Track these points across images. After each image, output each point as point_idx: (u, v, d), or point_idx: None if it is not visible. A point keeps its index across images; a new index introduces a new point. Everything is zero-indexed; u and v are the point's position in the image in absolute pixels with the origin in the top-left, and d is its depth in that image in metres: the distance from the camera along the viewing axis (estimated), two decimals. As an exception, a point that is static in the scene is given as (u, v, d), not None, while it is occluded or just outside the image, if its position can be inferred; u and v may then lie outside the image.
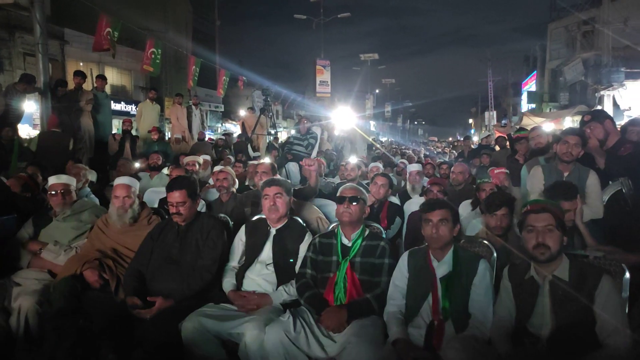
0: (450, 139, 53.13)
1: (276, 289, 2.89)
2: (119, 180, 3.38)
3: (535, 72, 31.93)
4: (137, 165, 6.99)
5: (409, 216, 4.16)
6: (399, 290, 2.53)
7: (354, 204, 2.79)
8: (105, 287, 3.01)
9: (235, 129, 28.74)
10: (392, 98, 52.97)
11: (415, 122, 78.87)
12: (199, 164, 5.86)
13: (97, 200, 4.46)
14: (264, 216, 3.16)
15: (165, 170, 6.97)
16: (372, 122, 48.56)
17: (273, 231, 3.07)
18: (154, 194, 4.69)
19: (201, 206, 4.17)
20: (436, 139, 45.85)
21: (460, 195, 4.68)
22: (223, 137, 12.30)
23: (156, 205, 4.25)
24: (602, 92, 16.63)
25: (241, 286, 2.96)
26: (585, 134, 3.55)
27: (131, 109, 20.27)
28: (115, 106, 20.42)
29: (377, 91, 48.50)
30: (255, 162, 5.60)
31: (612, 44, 18.27)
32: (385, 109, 47.23)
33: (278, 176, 4.07)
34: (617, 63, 16.60)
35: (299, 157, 7.80)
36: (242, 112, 23.39)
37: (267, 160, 6.37)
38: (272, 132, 9.85)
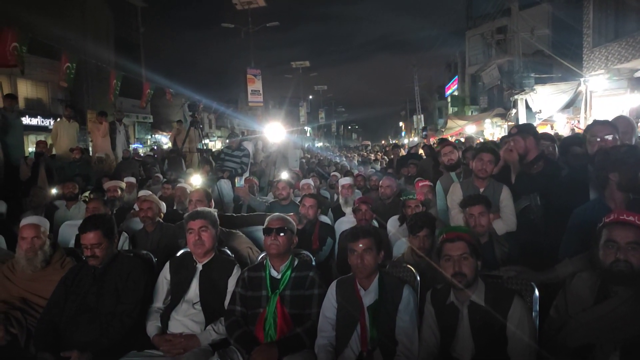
0: (383, 142, 54.89)
1: (204, 329, 2.78)
2: (26, 221, 3.10)
3: (456, 76, 33.84)
4: (53, 191, 6.49)
5: (340, 235, 4.19)
6: (329, 322, 2.53)
7: (282, 235, 2.76)
8: (14, 343, 2.74)
9: (166, 140, 27.71)
10: (326, 104, 53.75)
11: (349, 127, 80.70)
12: (121, 190, 5.53)
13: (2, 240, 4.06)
14: (188, 249, 3.04)
15: (87, 193, 6.54)
16: (307, 128, 48.98)
17: (199, 267, 2.96)
18: (71, 229, 4.35)
19: (124, 239, 3.95)
20: (369, 143, 47.07)
21: (389, 209, 4.81)
22: (151, 154, 11.80)
23: (73, 242, 3.96)
24: (515, 96, 17.90)
25: (167, 328, 2.82)
26: (497, 152, 3.77)
27: (49, 123, 18.82)
28: (31, 121, 18.93)
29: (310, 97, 48.97)
30: (183, 184, 5.38)
31: (523, 50, 19.78)
32: (319, 115, 47.79)
33: (212, 204, 3.92)
34: (527, 69, 17.96)
35: (231, 174, 7.66)
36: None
37: (198, 180, 6.20)
38: (201, 146, 9.58)
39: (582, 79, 16.29)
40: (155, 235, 4.06)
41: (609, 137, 2.95)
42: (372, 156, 19.48)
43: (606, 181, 2.55)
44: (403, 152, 15.30)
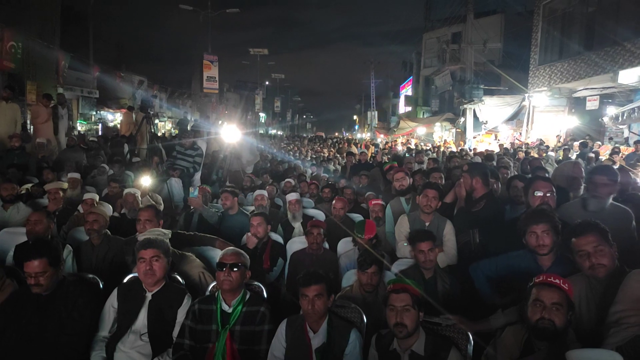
0: (337, 134, 55.36)
1: (151, 361, 2.78)
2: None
3: (411, 77, 34.66)
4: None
5: (291, 256, 4.25)
6: (277, 361, 2.62)
7: (235, 270, 2.79)
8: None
9: (112, 117, 26.43)
10: (282, 93, 53.33)
11: (304, 116, 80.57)
12: (63, 191, 5.29)
13: None
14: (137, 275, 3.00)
15: (27, 186, 6.18)
16: (261, 115, 48.42)
17: (149, 296, 2.94)
18: (9, 236, 4.13)
19: (67, 252, 3.80)
20: (323, 134, 47.28)
21: (340, 228, 4.93)
22: (96, 139, 11.25)
23: (11, 253, 3.76)
24: (465, 106, 18.69)
25: (112, 359, 2.79)
26: (440, 187, 4.01)
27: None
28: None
29: (267, 83, 48.42)
30: (132, 190, 5.22)
31: (475, 60, 20.63)
32: (275, 104, 47.38)
33: (161, 224, 3.84)
34: (477, 80, 18.77)
35: (182, 173, 7.50)
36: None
37: (148, 181, 6.02)
38: (150, 140, 9.30)
39: (526, 94, 17.23)
40: (101, 249, 3.94)
41: (549, 194, 3.21)
42: (326, 152, 19.62)
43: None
44: (356, 150, 15.59)
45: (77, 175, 6.52)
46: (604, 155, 10.84)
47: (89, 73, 22.56)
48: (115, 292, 3.00)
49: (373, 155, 14.97)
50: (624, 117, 10.02)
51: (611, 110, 12.41)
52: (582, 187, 4.02)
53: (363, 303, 3.07)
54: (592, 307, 2.47)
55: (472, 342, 2.53)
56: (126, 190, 5.21)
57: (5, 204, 4.98)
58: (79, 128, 19.03)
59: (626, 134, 13.71)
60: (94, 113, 27.52)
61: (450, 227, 3.82)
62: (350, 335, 2.59)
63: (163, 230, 3.63)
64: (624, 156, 10.42)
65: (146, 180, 6.02)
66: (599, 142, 12.58)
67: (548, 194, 3.26)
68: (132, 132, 10.63)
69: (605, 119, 11.34)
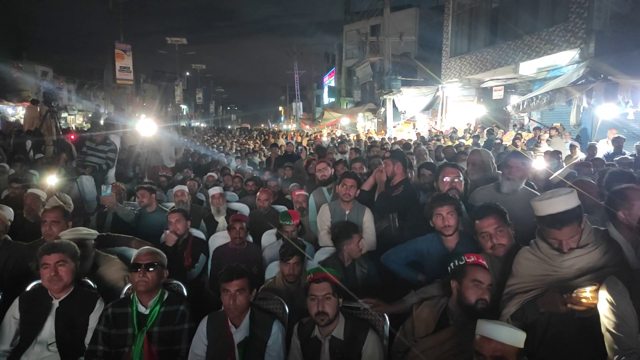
0: (262, 125, 54.81)
1: (61, 373, 2.61)
2: None
3: (334, 68, 35.20)
4: None
5: (214, 251, 4.17)
6: (198, 359, 2.57)
7: (151, 270, 2.69)
8: None
9: (11, 111, 24.02)
10: (204, 83, 51.60)
11: (229, 108, 78.82)
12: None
13: None
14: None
15: None
16: (183, 107, 46.60)
17: (56, 303, 2.74)
18: None
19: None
20: (249, 125, 46.61)
21: (265, 219, 4.92)
22: (-7, 136, 10.17)
23: None
24: (384, 96, 19.38)
25: (16, 375, 2.58)
26: (358, 176, 4.15)
27: None
28: None
29: (187, 74, 46.56)
30: (35, 190, 4.80)
31: (392, 52, 21.40)
32: (197, 96, 45.77)
33: (70, 226, 3.58)
34: (395, 71, 19.51)
35: (94, 170, 7.03)
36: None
37: (54, 180, 5.57)
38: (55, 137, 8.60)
39: (440, 85, 18.23)
40: (1, 255, 3.58)
41: (457, 180, 3.44)
42: (251, 144, 19.39)
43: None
44: (283, 142, 15.59)
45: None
46: (507, 141, 11.81)
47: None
48: (16, 302, 2.77)
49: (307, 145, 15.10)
50: (524, 106, 10.95)
51: (514, 100, 13.52)
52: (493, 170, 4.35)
53: (286, 294, 3.11)
54: (493, 282, 2.71)
55: (388, 323, 2.66)
56: (28, 191, 4.79)
57: None
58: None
59: (526, 121, 15.04)
60: (-11, 106, 24.78)
61: (369, 215, 3.97)
62: (272, 327, 2.61)
63: (89, 230, 3.40)
64: (525, 142, 11.44)
65: (52, 179, 5.58)
66: (502, 130, 13.67)
67: (456, 179, 3.49)
68: (37, 126, 9.75)
69: (509, 108, 12.32)
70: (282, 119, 54.93)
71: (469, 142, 11.99)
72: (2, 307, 2.83)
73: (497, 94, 15.60)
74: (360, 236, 3.43)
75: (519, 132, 13.09)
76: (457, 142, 11.54)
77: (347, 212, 3.98)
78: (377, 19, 25.90)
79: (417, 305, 2.63)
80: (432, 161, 6.76)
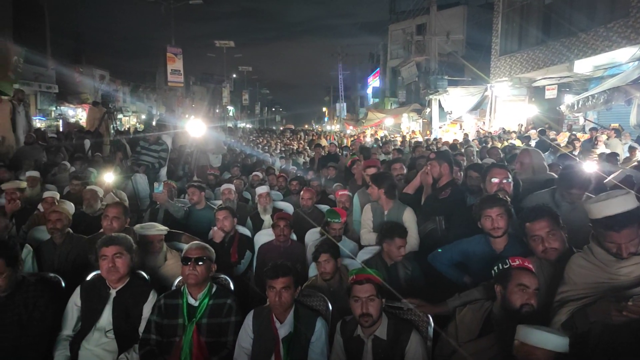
0: (306, 126, 55.32)
1: (117, 358, 2.76)
2: None
3: (378, 68, 34.92)
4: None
5: (259, 249, 4.28)
6: (244, 352, 2.65)
7: (200, 264, 2.80)
8: None
9: (72, 113, 25.52)
10: (250, 85, 52.70)
11: (273, 109, 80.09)
12: (21, 191, 5.13)
13: None
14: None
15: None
16: (230, 108, 47.79)
17: (113, 293, 2.91)
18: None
19: (27, 252, 3.70)
20: (293, 126, 47.15)
21: (308, 218, 4.98)
22: (55, 135, 10.87)
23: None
24: (430, 96, 19.03)
25: (76, 358, 2.76)
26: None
27: None
28: None
29: (234, 76, 47.75)
30: (94, 187, 5.10)
31: (439, 51, 21.00)
32: (243, 97, 46.81)
33: (128, 222, 3.80)
34: (442, 71, 19.12)
35: (147, 169, 7.37)
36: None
37: (111, 177, 5.89)
38: (113, 137, 9.08)
39: (488, 84, 17.68)
40: (64, 248, 3.85)
41: (506, 181, 3.34)
42: (295, 145, 19.62)
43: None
44: (325, 143, 15.67)
45: (35, 173, 6.32)
46: (562, 142, 11.29)
47: (47, 67, 21.64)
48: (77, 290, 2.96)
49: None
50: (580, 106, 10.43)
51: (568, 99, 12.90)
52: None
53: (328, 291, 3.14)
54: (543, 288, 2.61)
55: (432, 324, 2.63)
56: (88, 187, 5.09)
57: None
58: (38, 125, 18.28)
59: (582, 121, 14.30)
60: (54, 109, 26.50)
61: (410, 214, 3.91)
62: (316, 324, 2.65)
63: (161, 226, 3.62)
64: (580, 143, 10.89)
65: (109, 177, 5.90)
66: (554, 132, 13.06)
67: (504, 181, 3.40)
68: (96, 127, 10.34)
69: (563, 107, 11.77)
70: (326, 119, 55.15)
71: (519, 143, 11.55)
72: (65, 295, 3.04)
73: (550, 93, 14.93)
74: (404, 242, 3.38)
75: (574, 133, 12.48)
76: (506, 144, 11.15)
77: (385, 211, 3.97)
78: (423, 18, 25.45)
79: (460, 308, 2.59)
80: (479, 162, 6.59)
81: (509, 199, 3.00)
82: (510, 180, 3.41)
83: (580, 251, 2.37)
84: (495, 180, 3.37)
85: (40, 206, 5.04)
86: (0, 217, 3.77)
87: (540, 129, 12.93)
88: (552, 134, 12.18)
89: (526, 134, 13.01)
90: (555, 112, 14.12)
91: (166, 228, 3.70)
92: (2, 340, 2.63)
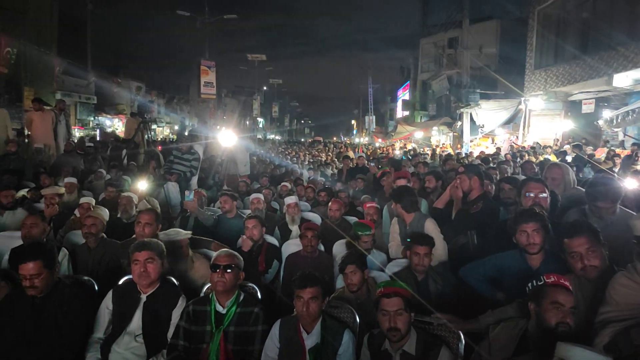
0: (335, 138, 55.46)
1: (146, 363, 2.79)
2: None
3: (408, 81, 34.78)
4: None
5: (286, 258, 4.27)
6: (271, 361, 2.63)
7: (228, 271, 2.82)
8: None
9: (109, 123, 26.44)
10: (280, 98, 53.44)
11: (302, 121, 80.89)
12: (59, 196, 5.31)
13: None
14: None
15: (23, 191, 6.20)
16: (259, 120, 48.54)
17: (144, 298, 2.96)
18: (7, 240, 4.13)
19: (63, 255, 3.82)
20: (321, 138, 47.41)
21: (336, 230, 4.96)
22: (92, 145, 11.26)
23: (7, 257, 3.77)
24: (461, 110, 18.75)
25: (107, 361, 2.81)
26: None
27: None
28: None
29: (265, 88, 48.50)
30: (129, 194, 5.24)
31: (471, 64, 20.72)
32: (273, 109, 47.50)
33: (160, 228, 3.88)
34: (474, 84, 18.84)
35: (179, 177, 7.52)
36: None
37: (144, 185, 6.04)
38: (148, 145, 9.35)
39: (522, 98, 17.32)
40: (97, 252, 3.96)
41: (542, 195, 3.24)
42: (324, 156, 19.67)
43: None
44: (353, 155, 15.63)
45: (73, 180, 6.55)
46: (600, 158, 10.89)
47: (87, 79, 22.57)
48: (110, 294, 3.02)
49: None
50: (619, 120, 10.08)
51: (607, 114, 12.49)
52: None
53: (355, 303, 3.10)
54: (582, 307, 2.49)
55: (464, 340, 2.54)
56: (123, 194, 5.23)
57: (1, 209, 4.99)
58: (77, 134, 19.03)
59: (621, 136, 13.78)
60: (92, 119, 27.57)
61: (431, 224, 3.83)
62: (343, 336, 2.61)
63: (186, 231, 3.69)
64: (620, 159, 10.47)
65: (143, 185, 6.05)
66: (591, 147, 12.62)
67: (540, 195, 3.29)
68: (132, 136, 10.67)
69: (601, 122, 11.38)
70: (355, 132, 55.18)
71: (554, 158, 11.21)
72: (98, 298, 3.10)
73: (588, 108, 14.48)
74: (425, 249, 3.30)
75: (613, 148, 12.03)
76: (541, 158, 10.84)
77: (407, 222, 3.92)
78: (455, 31, 25.27)
79: (494, 326, 2.50)
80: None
81: (545, 214, 2.89)
82: (546, 195, 3.30)
83: (623, 270, 2.26)
84: (530, 194, 3.27)
85: (76, 211, 5.22)
86: (40, 220, 3.90)
87: (575, 143, 12.52)
88: (589, 150, 11.77)
89: (561, 149, 12.63)
90: (592, 126, 13.68)
91: (189, 232, 3.78)
92: (39, 340, 2.70)
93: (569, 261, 2.50)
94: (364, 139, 41.38)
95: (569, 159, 10.54)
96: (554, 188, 3.90)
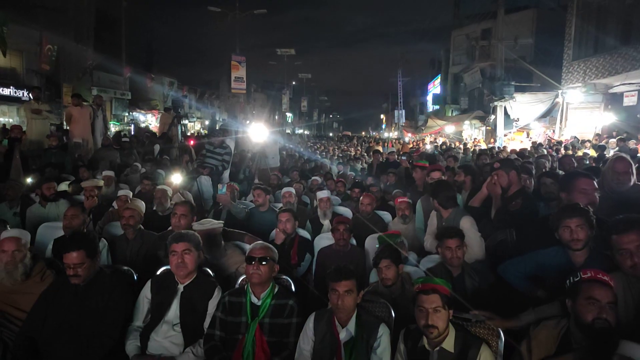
0: (363, 133, 55.18)
1: (183, 351, 2.85)
2: (7, 234, 3.08)
3: (439, 75, 34.15)
4: (28, 180, 6.37)
5: (318, 252, 4.28)
6: (305, 354, 2.64)
7: (264, 264, 2.83)
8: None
9: (143, 118, 27.14)
10: (309, 92, 53.51)
11: (331, 116, 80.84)
12: (98, 189, 5.49)
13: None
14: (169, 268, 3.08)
15: (64, 186, 6.44)
16: (288, 114, 48.80)
17: (181, 288, 3.01)
18: (50, 231, 4.31)
19: (102, 245, 3.93)
20: (350, 133, 47.23)
21: (367, 225, 4.92)
22: (128, 139, 11.56)
23: (50, 247, 3.93)
24: (495, 103, 18.26)
25: (146, 349, 2.88)
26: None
27: (22, 94, 18.11)
28: (3, 91, 18.20)
29: (294, 83, 48.64)
30: (164, 187, 5.35)
31: (505, 56, 20.14)
32: (302, 104, 47.57)
33: (195, 219, 3.95)
34: (508, 77, 18.29)
35: (212, 171, 7.63)
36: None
37: (178, 178, 6.17)
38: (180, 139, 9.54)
39: (559, 91, 16.72)
40: (135, 243, 4.07)
41: (596, 194, 3.13)
42: (353, 151, 19.58)
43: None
44: (382, 148, 15.51)
45: (111, 173, 6.75)
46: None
47: (122, 75, 23.19)
48: (148, 283, 3.09)
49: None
50: (664, 113, 9.60)
51: (650, 106, 11.94)
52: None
53: (390, 298, 3.06)
54: (631, 306, 2.39)
55: (503, 338, 2.48)
56: (158, 187, 5.35)
57: (44, 201, 5.20)
58: (112, 129, 19.63)
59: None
60: (127, 114, 28.35)
61: (468, 221, 3.71)
62: (379, 330, 2.59)
63: (218, 221, 3.76)
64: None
65: (177, 178, 6.18)
66: (634, 140, 12.06)
67: (595, 193, 3.17)
68: (165, 131, 10.92)
69: (644, 115, 10.88)
70: (384, 126, 54.69)
71: (593, 152, 10.79)
72: (137, 287, 3.19)
73: (630, 100, 13.85)
74: (457, 242, 3.22)
75: (657, 142, 11.47)
76: (580, 153, 10.45)
77: (445, 217, 3.84)
78: (489, 23, 24.56)
79: (534, 324, 2.42)
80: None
81: (591, 209, 2.77)
82: (597, 191, 3.17)
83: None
84: (585, 190, 3.14)
85: (114, 203, 5.38)
86: (80, 212, 4.04)
87: (619, 137, 12.00)
88: (631, 144, 11.26)
89: (601, 143, 12.13)
90: (635, 119, 13.10)
91: (222, 222, 3.87)
92: (82, 326, 2.80)
93: (617, 258, 2.40)
94: (393, 134, 40.97)
95: (610, 153, 10.11)
96: (625, 182, 3.65)
